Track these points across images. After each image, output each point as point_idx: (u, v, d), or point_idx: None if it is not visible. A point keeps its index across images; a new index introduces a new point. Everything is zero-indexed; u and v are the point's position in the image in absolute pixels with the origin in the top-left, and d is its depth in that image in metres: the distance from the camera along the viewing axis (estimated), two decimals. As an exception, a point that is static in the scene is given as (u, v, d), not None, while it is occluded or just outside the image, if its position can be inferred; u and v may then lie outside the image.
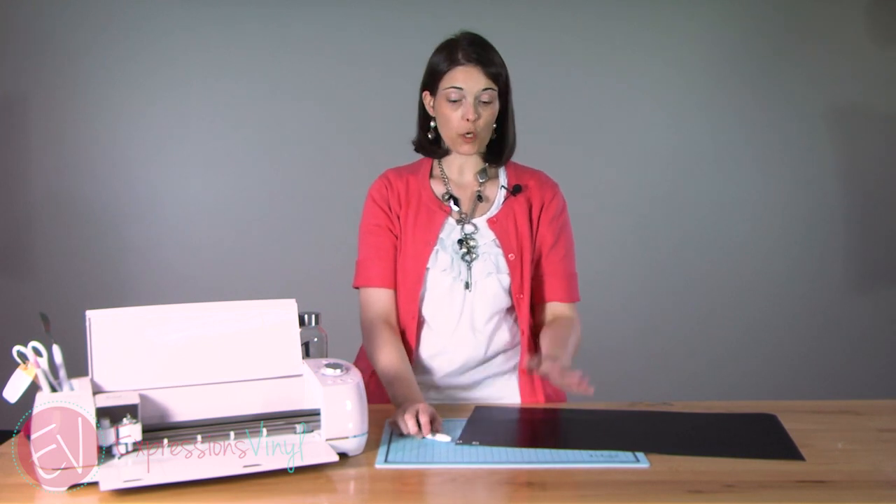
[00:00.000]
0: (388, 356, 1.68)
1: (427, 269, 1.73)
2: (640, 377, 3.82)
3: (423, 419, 1.42)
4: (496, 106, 1.74)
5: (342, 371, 1.35)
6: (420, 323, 1.76)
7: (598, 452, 1.33)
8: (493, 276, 1.74)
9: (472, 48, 1.71)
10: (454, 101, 1.71)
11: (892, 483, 1.24)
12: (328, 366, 1.36)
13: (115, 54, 3.81)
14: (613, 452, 1.33)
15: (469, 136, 1.71)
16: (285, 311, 1.41)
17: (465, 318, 1.74)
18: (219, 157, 3.88)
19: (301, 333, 1.44)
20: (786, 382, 3.85)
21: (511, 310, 1.79)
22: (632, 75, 3.90)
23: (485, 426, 1.51)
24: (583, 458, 1.31)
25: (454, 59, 1.71)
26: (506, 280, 1.74)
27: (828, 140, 3.99)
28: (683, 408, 1.63)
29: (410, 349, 1.76)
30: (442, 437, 1.40)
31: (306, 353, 1.67)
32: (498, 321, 1.77)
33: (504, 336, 1.78)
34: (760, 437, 1.44)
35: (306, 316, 1.70)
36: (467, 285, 1.73)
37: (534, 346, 1.80)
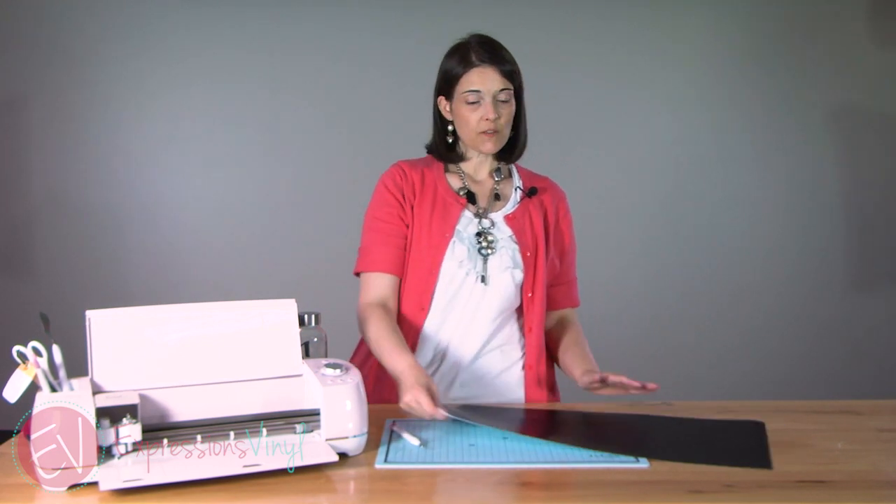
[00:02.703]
0: (378, 328, 1.67)
1: (443, 261, 1.73)
2: (640, 377, 3.81)
3: (425, 398, 1.44)
4: (513, 104, 1.75)
5: (342, 371, 1.35)
6: (427, 316, 1.75)
7: (598, 453, 1.33)
8: (509, 270, 1.74)
9: (485, 49, 1.72)
10: (473, 104, 1.71)
11: (892, 483, 1.24)
12: (328, 366, 1.36)
13: (116, 54, 3.81)
14: (611, 454, 1.33)
15: (490, 133, 1.72)
16: (285, 311, 1.41)
17: (471, 311, 1.74)
18: (219, 157, 3.88)
19: (301, 333, 1.44)
20: (786, 382, 3.85)
21: (519, 308, 1.79)
22: (632, 75, 3.90)
23: (477, 410, 1.52)
24: (583, 458, 1.31)
25: (468, 61, 1.71)
26: (519, 276, 1.75)
27: (828, 140, 3.99)
28: (683, 408, 1.63)
29: (414, 342, 1.75)
30: (412, 440, 1.39)
31: (306, 353, 1.67)
32: (503, 319, 1.77)
33: (505, 334, 1.78)
34: (733, 445, 1.40)
35: (306, 316, 1.70)
36: (483, 279, 1.73)
37: (542, 348, 1.81)
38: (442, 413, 1.43)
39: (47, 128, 3.84)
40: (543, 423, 1.59)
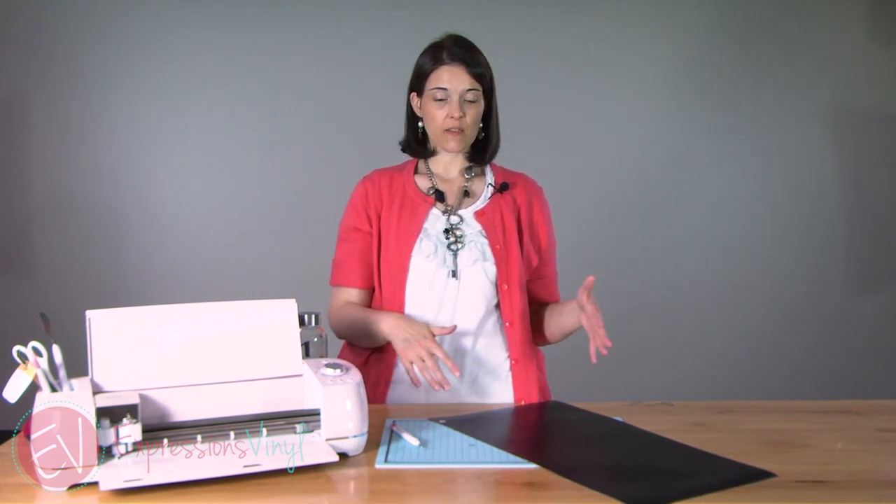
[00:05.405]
0: (349, 309, 1.78)
1: (411, 257, 1.75)
2: (640, 377, 3.82)
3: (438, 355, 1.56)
4: (481, 105, 1.78)
5: (342, 371, 1.35)
6: (404, 313, 1.75)
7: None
8: (479, 263, 1.75)
9: (457, 48, 1.75)
10: (440, 101, 1.75)
11: (892, 483, 1.24)
12: (328, 366, 1.36)
13: (116, 54, 3.81)
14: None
15: (455, 132, 1.75)
16: (285, 311, 1.41)
17: (448, 308, 1.74)
18: (219, 157, 3.88)
19: (301, 333, 1.44)
20: (786, 382, 3.85)
21: (497, 305, 1.79)
22: (634, 75, 3.90)
23: (472, 421, 1.51)
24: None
25: (439, 59, 1.76)
26: (491, 270, 1.76)
27: (828, 140, 3.99)
28: (683, 408, 1.63)
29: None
30: (412, 440, 1.39)
31: (306, 353, 1.68)
32: (484, 315, 1.77)
33: (487, 334, 1.78)
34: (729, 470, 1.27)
35: (306, 316, 1.70)
36: (454, 274, 1.74)
37: (528, 344, 1.80)
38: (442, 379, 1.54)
39: (47, 128, 3.84)
40: (537, 442, 1.53)
